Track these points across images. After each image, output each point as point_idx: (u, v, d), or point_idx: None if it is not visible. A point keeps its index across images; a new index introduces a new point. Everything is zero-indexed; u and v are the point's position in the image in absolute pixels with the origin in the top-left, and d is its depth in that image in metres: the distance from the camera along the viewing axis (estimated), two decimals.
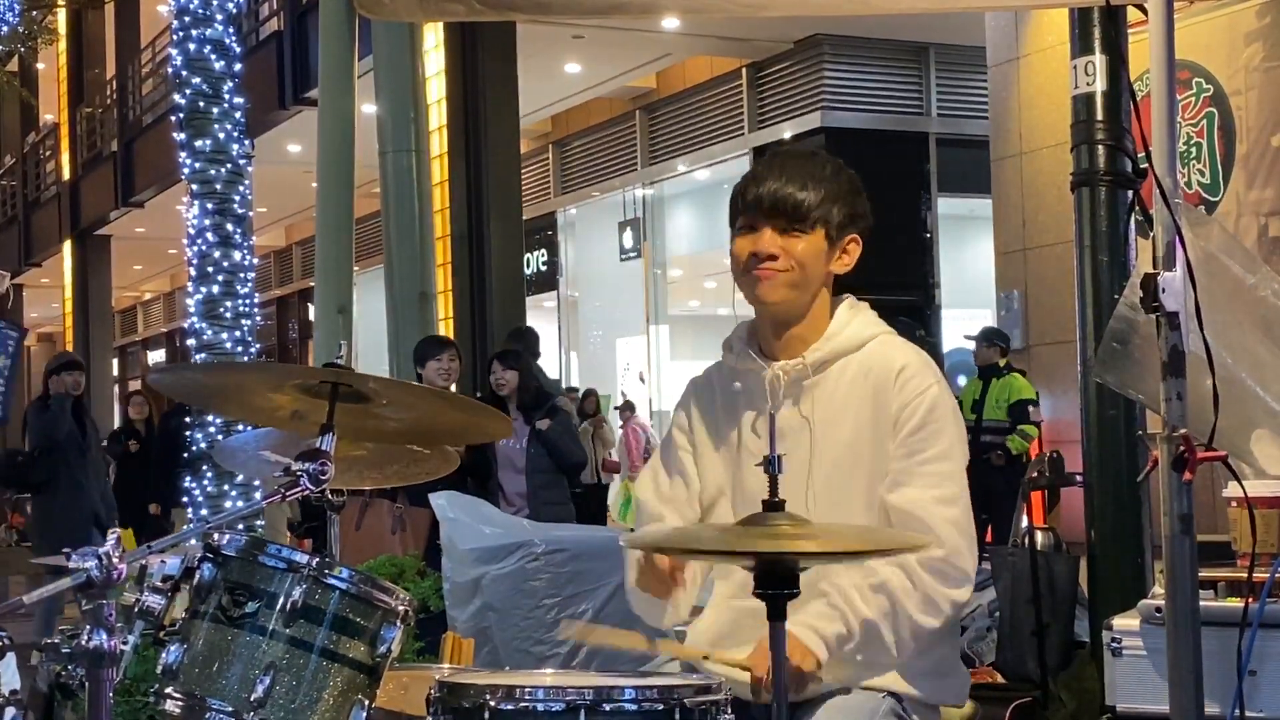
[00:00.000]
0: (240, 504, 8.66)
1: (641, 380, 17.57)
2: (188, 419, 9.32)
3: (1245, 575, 2.90)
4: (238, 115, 8.92)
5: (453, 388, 7.33)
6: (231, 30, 9.08)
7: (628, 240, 17.50)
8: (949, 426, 2.58)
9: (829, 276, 2.65)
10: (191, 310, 9.02)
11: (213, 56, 8.85)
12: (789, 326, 2.65)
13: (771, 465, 2.17)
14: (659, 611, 2.64)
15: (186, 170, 8.88)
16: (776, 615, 2.13)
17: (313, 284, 12.84)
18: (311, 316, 16.27)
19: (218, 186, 8.73)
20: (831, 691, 2.51)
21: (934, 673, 2.58)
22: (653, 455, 2.85)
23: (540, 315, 18.04)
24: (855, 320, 2.66)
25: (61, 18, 23.50)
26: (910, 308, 12.66)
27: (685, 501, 2.75)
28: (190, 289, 9.06)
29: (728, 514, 2.65)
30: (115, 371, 29.61)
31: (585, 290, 19.00)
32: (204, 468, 8.60)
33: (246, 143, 9.04)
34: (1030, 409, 9.44)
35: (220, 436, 8.13)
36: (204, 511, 8.37)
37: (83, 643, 2.04)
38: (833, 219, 2.61)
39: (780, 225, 2.59)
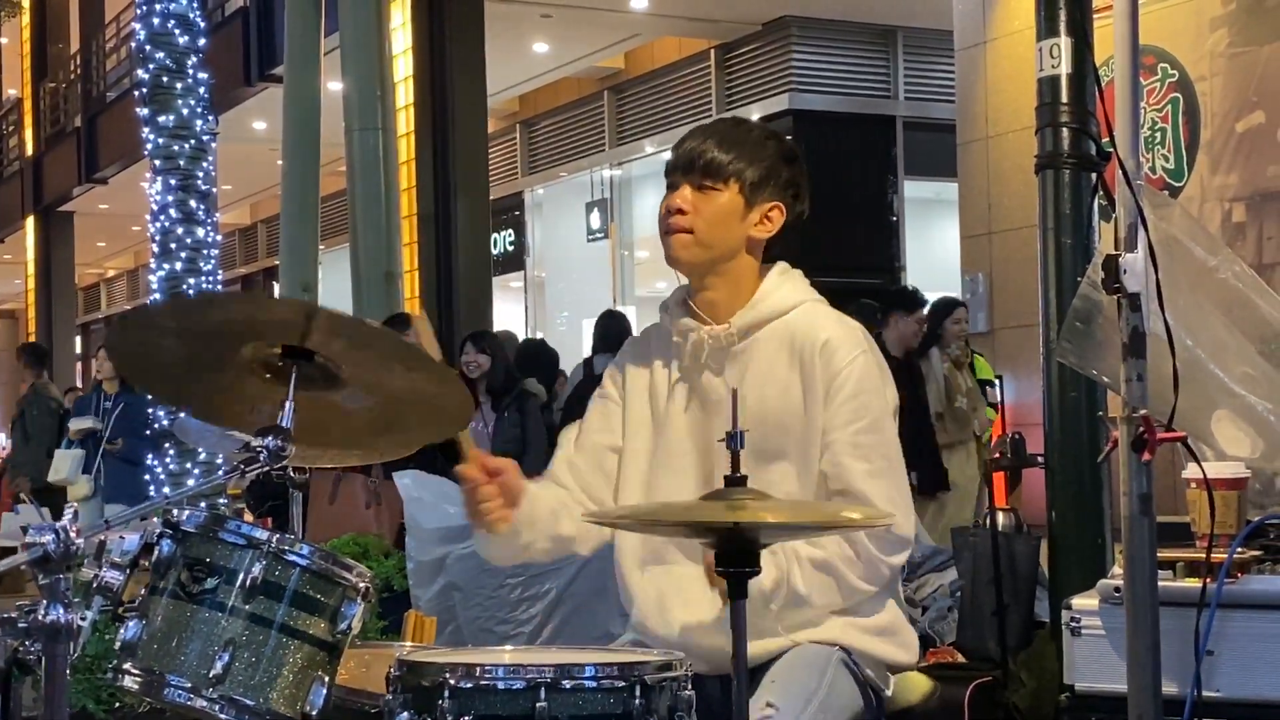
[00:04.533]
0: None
1: None
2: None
3: (1204, 556, 2.91)
4: (201, 91, 8.85)
5: None
6: (196, 5, 9.01)
7: (595, 221, 17.46)
8: (876, 396, 2.58)
9: (749, 241, 2.63)
10: (154, 287, 8.96)
11: (177, 31, 8.78)
12: (705, 289, 2.65)
13: (734, 441, 2.18)
14: (504, 550, 2.67)
15: (150, 146, 8.81)
16: (739, 593, 2.13)
17: (277, 263, 12.81)
18: (276, 295, 16.21)
19: (181, 162, 8.67)
20: (782, 650, 2.53)
21: (879, 632, 2.61)
22: (587, 411, 2.84)
23: (507, 295, 18.00)
24: (784, 286, 2.65)
25: None
26: (876, 290, 12.67)
27: (594, 466, 2.74)
28: (153, 265, 8.99)
29: (642, 471, 2.66)
30: (78, 349, 29.39)
31: (552, 271, 18.96)
32: (166, 445, 8.55)
33: (211, 119, 8.97)
34: (987, 390, 9.46)
35: (182, 414, 8.08)
36: (165, 489, 8.33)
37: (39, 618, 2.02)
38: (746, 176, 2.60)
39: (695, 181, 2.61)
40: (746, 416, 2.54)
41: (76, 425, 9.38)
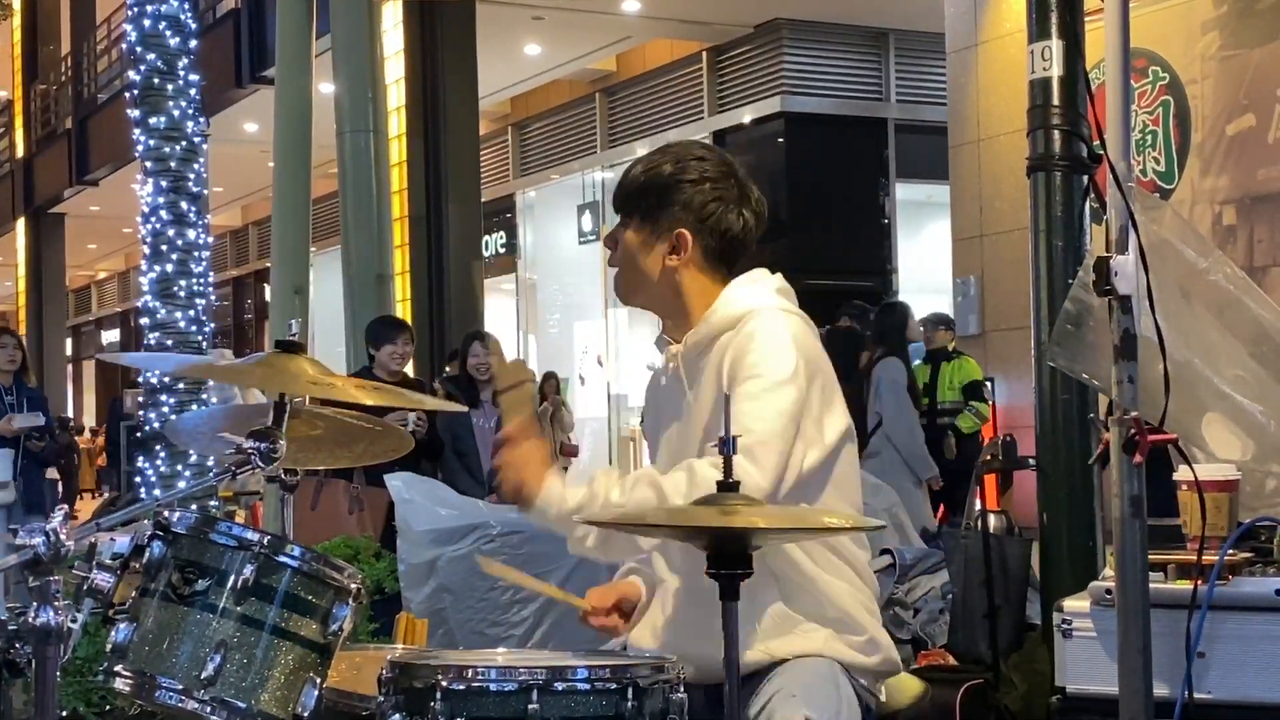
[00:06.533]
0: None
1: (599, 364, 17.56)
2: (140, 399, 9.24)
3: (1195, 558, 2.92)
4: (193, 92, 8.83)
5: (409, 369, 7.31)
6: (188, 6, 8.98)
7: (586, 223, 17.46)
8: (764, 345, 2.43)
9: (667, 270, 2.56)
10: (145, 289, 8.94)
11: (168, 33, 8.75)
12: (662, 317, 2.64)
13: (726, 446, 2.18)
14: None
15: (140, 147, 8.79)
16: (730, 595, 2.13)
17: (269, 265, 12.79)
18: (268, 297, 16.20)
19: (172, 164, 8.64)
20: (780, 659, 2.52)
21: (864, 646, 2.59)
22: None
23: (498, 298, 18.01)
24: (739, 295, 2.54)
25: None
26: (868, 293, 12.68)
27: None
28: (144, 267, 8.97)
29: None
30: (69, 351, 29.36)
31: (543, 273, 18.96)
32: (157, 447, 8.52)
33: (202, 120, 8.96)
34: (984, 388, 9.48)
35: (173, 416, 8.07)
36: (156, 491, 8.29)
37: (29, 620, 2.02)
38: (639, 210, 2.56)
39: (621, 221, 2.62)
40: (695, 428, 2.53)
41: (23, 422, 8.35)
